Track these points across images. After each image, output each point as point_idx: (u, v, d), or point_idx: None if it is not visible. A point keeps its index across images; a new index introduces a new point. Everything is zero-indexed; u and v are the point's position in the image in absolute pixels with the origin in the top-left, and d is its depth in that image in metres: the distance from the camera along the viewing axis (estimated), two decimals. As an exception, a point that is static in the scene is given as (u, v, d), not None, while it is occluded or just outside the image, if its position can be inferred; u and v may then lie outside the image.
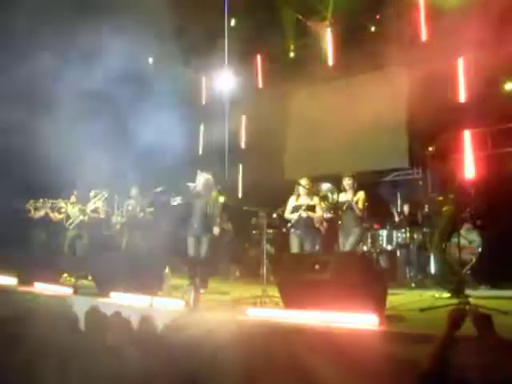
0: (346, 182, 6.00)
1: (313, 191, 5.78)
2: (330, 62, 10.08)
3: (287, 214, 5.94)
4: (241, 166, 11.86)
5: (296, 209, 5.83)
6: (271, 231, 8.68)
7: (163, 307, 3.59)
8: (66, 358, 3.56)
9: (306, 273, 3.33)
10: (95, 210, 7.88)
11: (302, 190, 5.87)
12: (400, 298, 4.88)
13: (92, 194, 8.02)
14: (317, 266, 3.44)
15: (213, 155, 12.49)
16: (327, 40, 10.26)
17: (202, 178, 6.02)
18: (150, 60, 11.74)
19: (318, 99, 11.04)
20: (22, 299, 4.85)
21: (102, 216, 7.87)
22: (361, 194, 5.99)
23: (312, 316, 2.87)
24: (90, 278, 5.86)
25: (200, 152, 13.04)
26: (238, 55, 11.32)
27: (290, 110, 11.86)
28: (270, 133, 11.70)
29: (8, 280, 5.72)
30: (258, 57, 11.41)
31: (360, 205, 5.90)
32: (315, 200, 5.85)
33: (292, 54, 11.13)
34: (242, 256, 9.36)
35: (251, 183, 11.80)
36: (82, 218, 7.79)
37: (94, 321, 3.88)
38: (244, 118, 12.04)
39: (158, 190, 7.00)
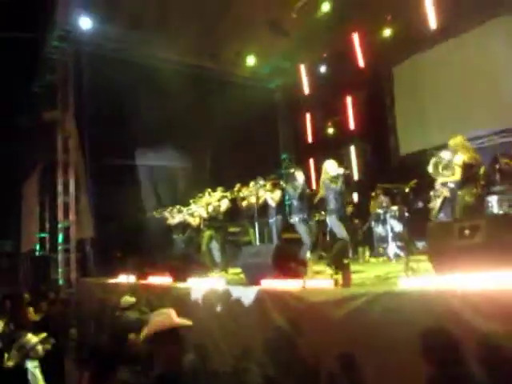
0: None
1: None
2: (433, 25, 9.55)
3: None
4: (353, 149, 11.79)
5: None
6: (396, 208, 8.54)
7: (315, 287, 3.80)
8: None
9: (455, 239, 3.31)
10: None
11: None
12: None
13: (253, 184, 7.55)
14: (466, 232, 3.41)
15: (323, 141, 12.62)
16: (427, 2, 9.73)
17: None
18: (251, 60, 12.13)
19: (424, 67, 10.58)
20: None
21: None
22: None
23: (472, 279, 2.86)
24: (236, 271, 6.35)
25: (310, 140, 13.20)
26: (334, 38, 11.29)
27: (396, 85, 11.50)
28: (377, 111, 11.49)
29: (166, 280, 6.42)
30: (355, 36, 11.22)
31: None
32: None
33: (390, 27, 10.72)
34: (367, 237, 9.33)
35: (364, 164, 11.72)
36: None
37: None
38: (349, 99, 11.93)
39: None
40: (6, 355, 3.35)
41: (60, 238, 10.43)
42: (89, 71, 10.73)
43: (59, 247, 10.41)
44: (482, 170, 4.87)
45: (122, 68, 10.46)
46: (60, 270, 10.28)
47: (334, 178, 5.92)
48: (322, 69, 12.20)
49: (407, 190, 5.86)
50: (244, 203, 7.45)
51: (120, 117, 10.86)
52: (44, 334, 4.10)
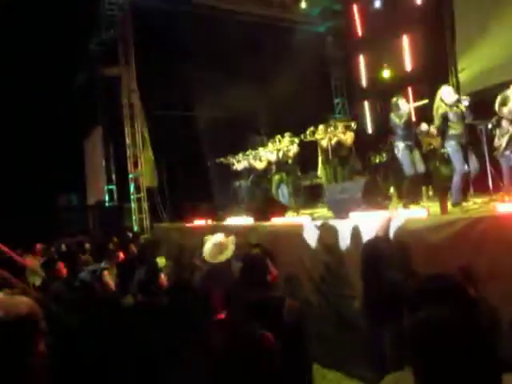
0: None
1: None
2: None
3: None
4: (410, 91, 11.59)
5: None
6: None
7: (409, 216, 4.09)
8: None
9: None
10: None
11: None
12: None
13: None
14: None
15: (377, 84, 12.51)
16: None
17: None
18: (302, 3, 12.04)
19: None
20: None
21: None
22: None
23: None
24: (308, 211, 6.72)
25: (364, 84, 13.10)
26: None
27: (457, 18, 11.03)
28: (436, 49, 11.14)
29: (248, 220, 6.89)
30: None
31: None
32: None
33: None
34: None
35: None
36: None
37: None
38: (405, 38, 11.63)
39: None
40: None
41: (132, 187, 11.11)
42: (145, 25, 10.94)
43: (132, 196, 11.11)
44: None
45: (176, 20, 10.65)
46: (134, 217, 11.04)
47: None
48: (376, 6, 11.87)
49: (490, 126, 5.88)
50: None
51: (178, 69, 11.17)
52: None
